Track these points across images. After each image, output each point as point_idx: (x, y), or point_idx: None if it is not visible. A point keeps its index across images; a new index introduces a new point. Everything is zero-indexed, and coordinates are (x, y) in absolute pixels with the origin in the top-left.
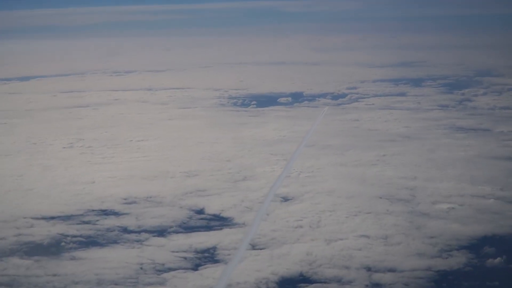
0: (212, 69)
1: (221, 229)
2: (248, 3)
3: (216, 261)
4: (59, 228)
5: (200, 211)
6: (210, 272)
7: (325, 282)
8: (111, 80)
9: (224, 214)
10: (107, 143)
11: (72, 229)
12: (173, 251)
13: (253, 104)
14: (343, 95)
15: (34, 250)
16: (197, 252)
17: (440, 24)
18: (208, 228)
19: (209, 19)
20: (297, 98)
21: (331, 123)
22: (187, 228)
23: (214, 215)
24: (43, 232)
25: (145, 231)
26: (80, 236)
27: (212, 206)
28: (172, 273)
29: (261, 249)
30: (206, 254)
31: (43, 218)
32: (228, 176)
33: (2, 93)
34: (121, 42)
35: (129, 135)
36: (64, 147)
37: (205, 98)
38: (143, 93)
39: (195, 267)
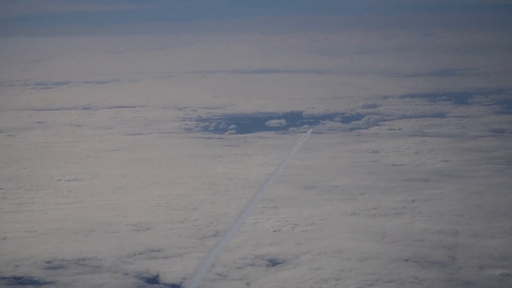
0: (175, 80)
1: None
2: None
3: None
4: None
5: (153, 280)
6: None
7: None
8: (34, 95)
9: (187, 285)
10: (25, 184)
11: None
12: None
13: (232, 130)
14: (358, 116)
15: None
16: None
17: (497, 15)
18: None
19: (179, 10)
20: (293, 120)
21: (339, 155)
22: None
23: (172, 285)
24: None
25: None
26: None
27: (170, 273)
28: None
29: None
30: None
31: None
32: (193, 230)
33: None
34: (49, 41)
35: (56, 172)
36: None
37: (164, 120)
38: (78, 113)
39: None
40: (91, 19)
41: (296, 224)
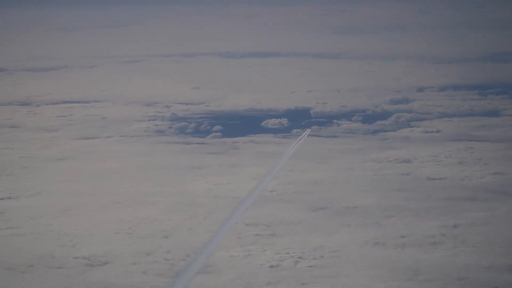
0: (144, 66)
1: None
2: None
3: None
4: None
5: None
6: None
7: None
8: None
9: None
10: None
11: None
12: None
13: (217, 132)
14: (384, 115)
15: None
16: None
17: None
18: None
19: None
20: (298, 119)
21: (359, 166)
22: None
23: None
24: None
25: None
26: None
27: None
28: None
29: None
30: None
31: None
32: (164, 265)
33: None
34: None
35: None
36: None
37: (128, 119)
38: (14, 110)
39: None
40: None
41: (300, 258)
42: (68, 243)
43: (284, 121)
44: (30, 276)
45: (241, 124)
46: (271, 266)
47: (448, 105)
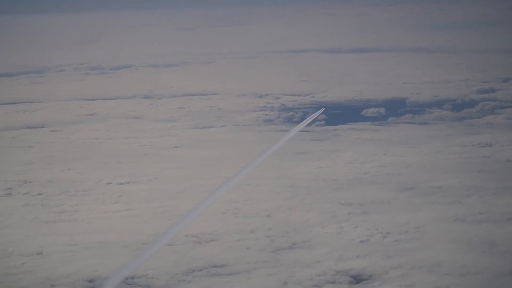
0: (257, 61)
1: None
2: None
3: None
4: None
5: None
6: None
7: None
8: (87, 82)
9: None
10: (68, 189)
11: None
12: None
13: (320, 120)
14: (471, 103)
15: None
16: None
17: None
18: None
19: None
20: (394, 108)
21: (445, 150)
22: None
23: None
24: None
25: None
26: None
27: None
28: None
29: None
30: None
31: None
32: (265, 241)
33: None
34: (106, 17)
35: (106, 174)
36: None
37: (241, 110)
38: (137, 103)
39: None
40: None
41: (387, 233)
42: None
43: (382, 110)
44: (143, 253)
45: (342, 113)
46: (361, 241)
47: None
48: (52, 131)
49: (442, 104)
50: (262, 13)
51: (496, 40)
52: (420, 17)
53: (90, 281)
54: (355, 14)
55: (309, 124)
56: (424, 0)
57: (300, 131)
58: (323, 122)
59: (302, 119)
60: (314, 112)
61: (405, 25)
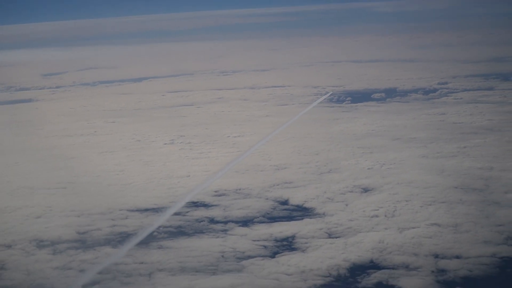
0: (313, 68)
1: (302, 219)
2: (342, 5)
3: (293, 249)
4: (151, 220)
5: (284, 202)
6: (285, 259)
7: (393, 268)
8: (218, 80)
9: (306, 205)
10: (205, 139)
11: (163, 220)
12: (254, 240)
13: (348, 100)
14: (434, 90)
15: (126, 240)
16: (276, 240)
17: None
18: (290, 218)
19: (309, 21)
20: (390, 94)
21: (418, 117)
22: (270, 218)
23: (297, 205)
24: (136, 223)
25: (231, 221)
26: (170, 226)
27: (296, 197)
28: (251, 260)
29: (336, 237)
30: (285, 243)
31: (138, 210)
32: (314, 168)
33: (116, 94)
34: (230, 44)
35: (227, 131)
36: (165, 144)
37: (303, 95)
38: (245, 92)
39: (273, 255)
40: (255, 27)
41: (383, 164)
42: (267, 158)
43: (383, 94)
44: (246, 175)
45: (361, 96)
46: (368, 168)
47: (467, 85)
48: (197, 107)
49: (417, 91)
50: (314, 40)
51: (451, 55)
52: (402, 42)
53: (216, 191)
54: (367, 40)
55: (341, 103)
56: (405, 32)
57: (333, 106)
58: (349, 101)
59: (338, 100)
60: (345, 96)
61: (395, 46)
